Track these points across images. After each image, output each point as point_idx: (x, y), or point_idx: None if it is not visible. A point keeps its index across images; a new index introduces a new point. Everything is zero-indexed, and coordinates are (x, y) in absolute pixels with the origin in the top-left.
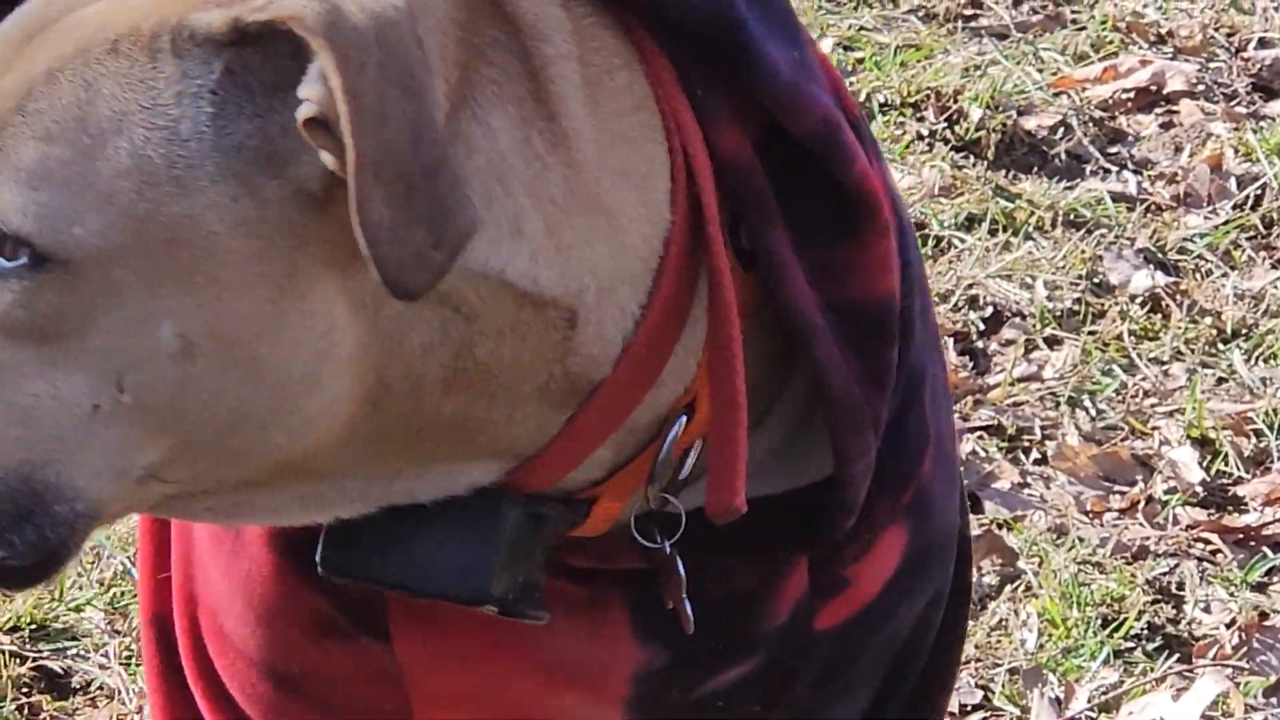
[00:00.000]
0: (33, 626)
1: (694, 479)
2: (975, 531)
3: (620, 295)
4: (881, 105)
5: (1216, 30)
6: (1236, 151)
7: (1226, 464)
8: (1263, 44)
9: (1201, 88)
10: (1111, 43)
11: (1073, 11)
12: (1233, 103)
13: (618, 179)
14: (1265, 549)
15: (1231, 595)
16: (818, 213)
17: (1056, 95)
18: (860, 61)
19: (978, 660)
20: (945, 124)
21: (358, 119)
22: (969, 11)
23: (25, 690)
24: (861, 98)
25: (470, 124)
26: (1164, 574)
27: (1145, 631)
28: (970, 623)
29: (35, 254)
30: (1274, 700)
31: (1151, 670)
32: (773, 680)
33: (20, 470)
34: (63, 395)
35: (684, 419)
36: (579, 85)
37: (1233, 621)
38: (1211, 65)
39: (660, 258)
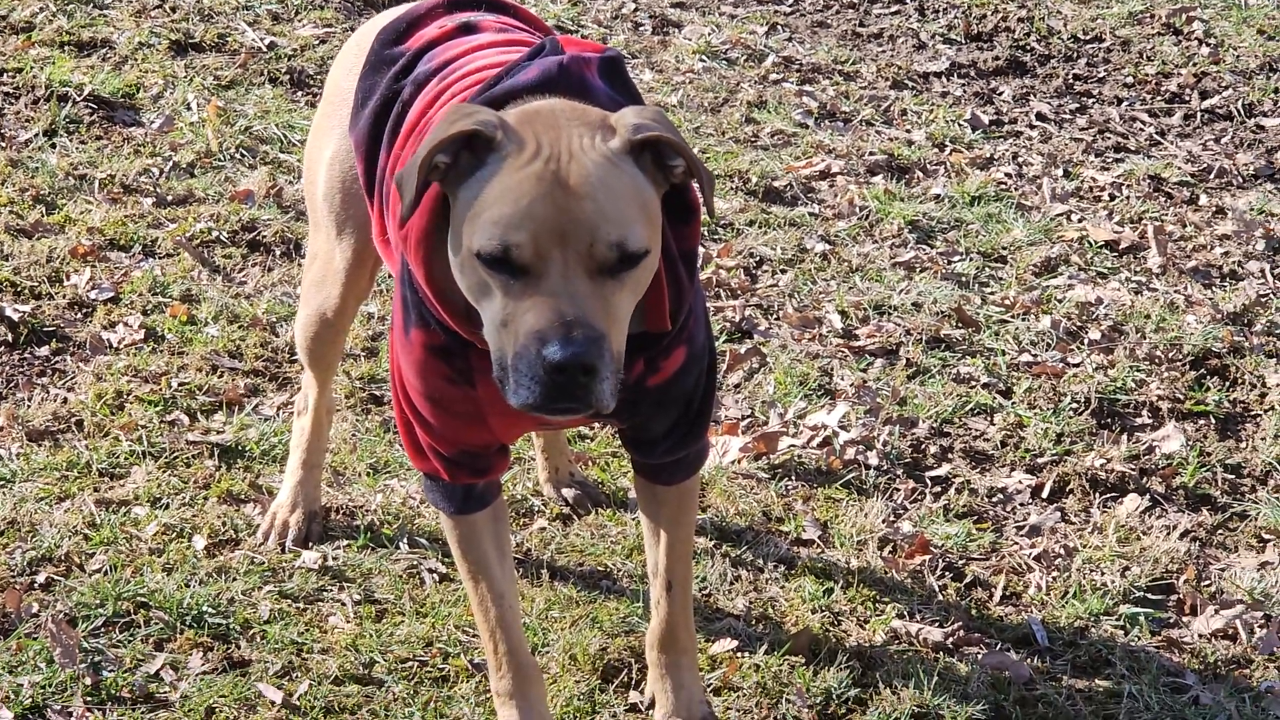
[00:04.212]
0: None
1: None
2: (748, 345)
3: None
4: None
5: None
6: None
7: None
8: None
9: None
10: None
11: None
12: None
13: None
14: None
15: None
16: (679, 213)
17: None
18: None
19: (748, 396)
20: None
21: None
22: None
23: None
24: None
25: None
26: (822, 381)
27: (819, 388)
28: (745, 383)
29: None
30: None
31: (817, 402)
32: (629, 404)
33: None
34: None
35: None
36: None
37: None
38: None
39: None
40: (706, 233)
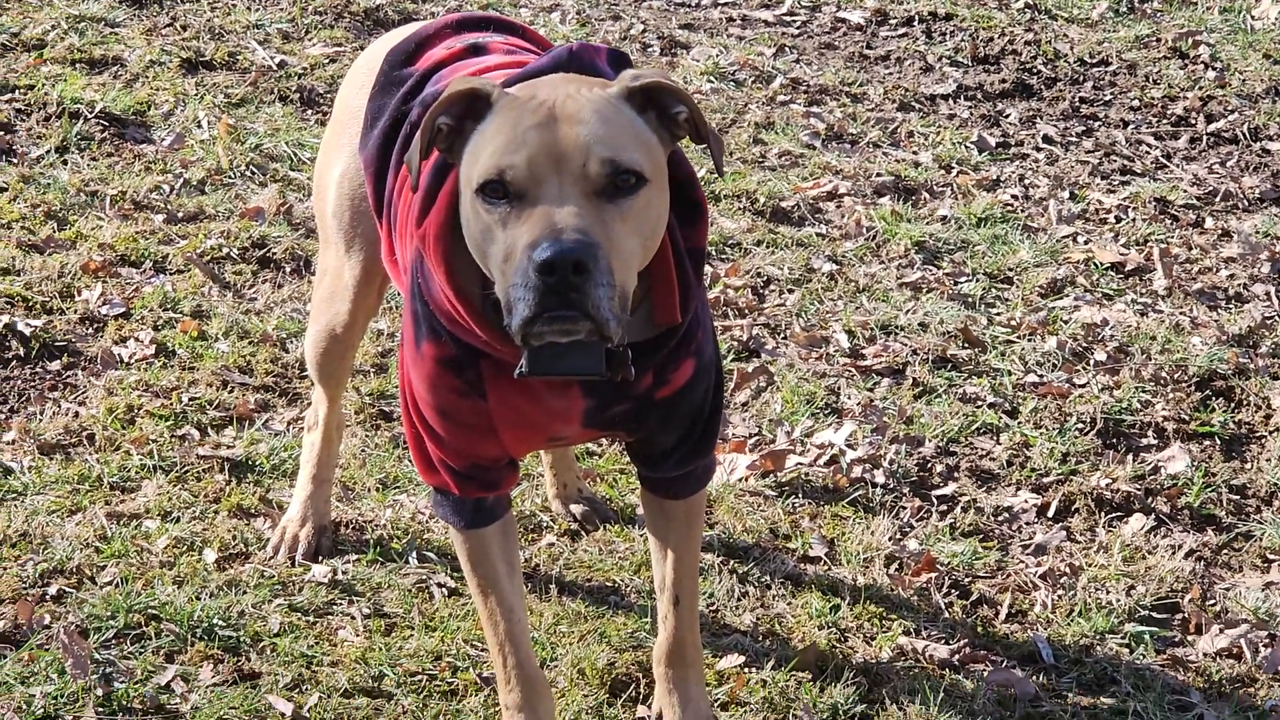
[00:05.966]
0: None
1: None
2: (755, 363)
3: None
4: None
5: None
6: None
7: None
8: None
9: None
10: None
11: None
12: None
13: None
14: None
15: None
16: (686, 212)
17: None
18: None
19: (755, 414)
20: None
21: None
22: None
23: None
24: None
25: None
26: (829, 395)
27: (826, 407)
28: (752, 401)
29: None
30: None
31: (824, 420)
32: (637, 415)
33: None
34: None
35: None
36: None
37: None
38: None
39: None
40: (714, 252)
